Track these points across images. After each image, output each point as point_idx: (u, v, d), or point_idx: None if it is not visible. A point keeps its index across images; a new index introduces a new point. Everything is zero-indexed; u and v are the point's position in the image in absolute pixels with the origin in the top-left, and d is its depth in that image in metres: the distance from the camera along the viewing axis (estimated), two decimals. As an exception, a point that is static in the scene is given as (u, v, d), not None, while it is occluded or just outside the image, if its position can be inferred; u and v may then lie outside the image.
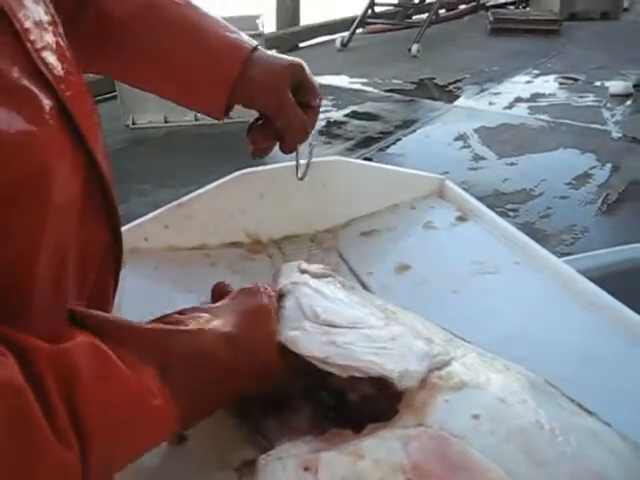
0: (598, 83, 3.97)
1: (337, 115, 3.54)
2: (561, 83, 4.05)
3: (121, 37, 0.60)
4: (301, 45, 5.30)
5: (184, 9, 0.60)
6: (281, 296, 0.52)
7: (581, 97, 3.74)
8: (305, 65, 0.62)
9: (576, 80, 4.07)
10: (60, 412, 0.32)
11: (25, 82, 0.37)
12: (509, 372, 0.48)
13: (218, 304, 0.47)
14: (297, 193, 0.75)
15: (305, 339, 0.46)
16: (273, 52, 0.62)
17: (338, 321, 0.48)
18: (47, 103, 0.38)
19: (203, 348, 0.41)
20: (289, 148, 0.63)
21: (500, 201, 2.47)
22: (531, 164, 2.84)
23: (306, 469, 0.41)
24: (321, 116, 3.52)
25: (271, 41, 4.55)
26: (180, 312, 0.46)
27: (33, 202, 0.37)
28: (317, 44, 5.35)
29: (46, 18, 0.42)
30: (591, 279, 0.64)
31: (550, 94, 3.82)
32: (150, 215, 0.73)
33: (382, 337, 0.48)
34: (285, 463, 0.41)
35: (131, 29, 0.59)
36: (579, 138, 3.10)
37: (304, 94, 0.61)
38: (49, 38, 0.41)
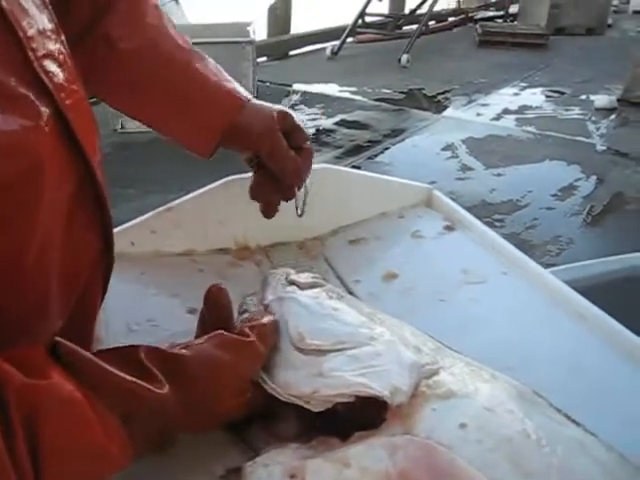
0: (583, 97, 4.03)
1: (326, 123, 3.56)
2: (547, 96, 4.10)
3: (123, 68, 0.61)
4: (291, 53, 5.31)
5: (187, 55, 0.62)
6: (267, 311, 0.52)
7: (567, 110, 3.79)
8: (292, 112, 0.65)
9: (562, 93, 4.13)
10: (20, 446, 0.32)
11: (23, 89, 0.37)
12: (497, 382, 0.48)
13: (200, 345, 0.45)
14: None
15: (293, 379, 0.46)
16: (262, 103, 0.64)
17: (324, 345, 0.48)
18: (44, 110, 0.38)
19: (163, 413, 0.41)
20: (288, 193, 0.65)
21: (487, 211, 2.49)
22: (518, 175, 2.87)
23: (292, 476, 0.41)
24: (310, 124, 3.54)
25: (262, 49, 4.56)
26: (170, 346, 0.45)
27: (23, 199, 0.38)
28: (307, 52, 5.37)
29: (50, 26, 0.42)
30: (577, 290, 0.64)
31: (537, 106, 3.87)
32: (137, 220, 0.72)
33: (370, 354, 0.48)
34: (271, 470, 0.41)
35: (134, 63, 0.61)
36: (565, 150, 3.14)
37: (295, 138, 0.64)
38: (51, 46, 0.42)
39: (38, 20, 0.40)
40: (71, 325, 0.46)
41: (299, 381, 0.45)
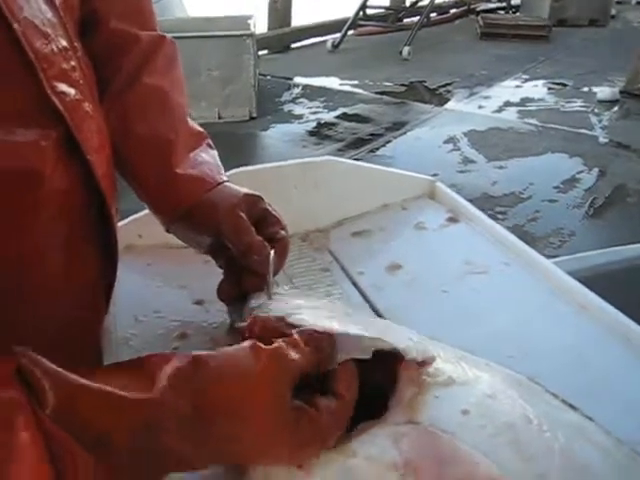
0: (586, 89, 4.02)
1: (327, 116, 3.56)
2: (550, 88, 4.10)
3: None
4: (292, 46, 5.30)
5: (169, 135, 0.56)
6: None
7: (569, 102, 3.78)
8: (262, 197, 0.57)
9: (564, 85, 4.12)
10: None
11: (33, 111, 0.38)
12: (493, 370, 0.49)
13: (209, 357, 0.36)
14: (289, 193, 0.76)
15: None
16: (233, 186, 0.57)
17: (332, 314, 0.48)
18: (52, 131, 0.39)
19: (151, 430, 0.32)
20: (257, 281, 0.54)
21: (489, 204, 2.49)
22: (520, 168, 2.87)
23: (299, 467, 0.41)
24: (312, 117, 3.54)
25: (262, 42, 4.56)
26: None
27: (19, 215, 0.39)
28: (308, 45, 5.36)
29: (64, 44, 0.42)
30: (579, 280, 0.65)
31: (539, 99, 3.87)
32: (144, 212, 0.73)
33: (375, 327, 0.48)
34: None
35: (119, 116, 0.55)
36: (567, 143, 3.14)
37: (267, 226, 0.56)
38: (65, 65, 0.42)
39: (53, 40, 0.41)
40: (74, 332, 0.47)
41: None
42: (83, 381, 0.31)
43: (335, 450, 0.41)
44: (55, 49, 0.41)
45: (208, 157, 0.58)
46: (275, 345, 0.37)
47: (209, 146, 0.60)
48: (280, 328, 0.42)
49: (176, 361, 0.34)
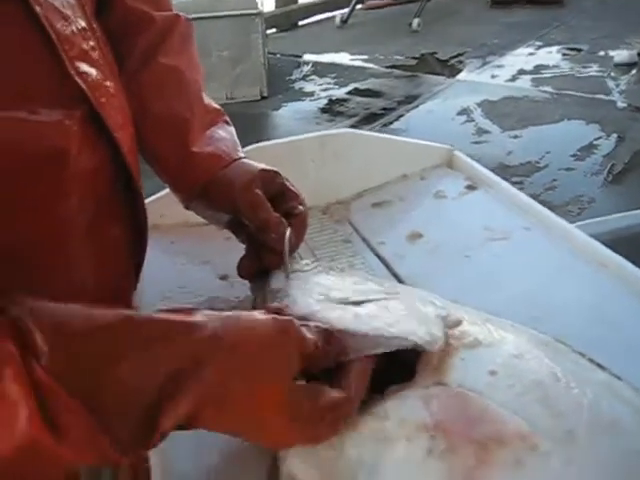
0: (602, 53, 3.93)
1: (339, 93, 3.53)
2: (564, 54, 4.01)
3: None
4: (300, 23, 5.24)
5: (185, 114, 0.57)
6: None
7: (585, 67, 3.70)
8: (279, 172, 0.57)
9: (579, 50, 4.04)
10: None
11: (56, 91, 0.39)
12: (518, 331, 0.50)
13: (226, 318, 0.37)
14: (309, 166, 0.76)
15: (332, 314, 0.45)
16: (250, 162, 0.57)
17: (353, 297, 0.49)
18: (76, 112, 0.40)
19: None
20: (276, 259, 0.53)
21: (505, 174, 2.46)
22: (535, 136, 2.83)
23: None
24: (323, 94, 3.52)
25: (270, 20, 4.51)
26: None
27: (47, 191, 0.39)
28: (316, 22, 5.29)
29: (83, 24, 0.43)
30: (601, 243, 0.65)
31: (553, 65, 3.79)
32: (165, 191, 0.74)
33: (397, 307, 0.49)
34: None
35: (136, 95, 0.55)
36: (583, 109, 3.08)
37: (285, 201, 0.56)
38: (85, 45, 0.42)
39: (73, 22, 0.41)
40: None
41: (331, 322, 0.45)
42: (83, 323, 0.31)
43: (368, 413, 0.42)
44: (75, 30, 0.41)
45: (225, 134, 0.59)
46: (289, 317, 0.39)
47: (226, 122, 0.60)
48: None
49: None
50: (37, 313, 0.30)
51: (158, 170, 0.59)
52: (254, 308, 0.59)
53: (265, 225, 0.53)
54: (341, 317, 0.46)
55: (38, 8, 0.37)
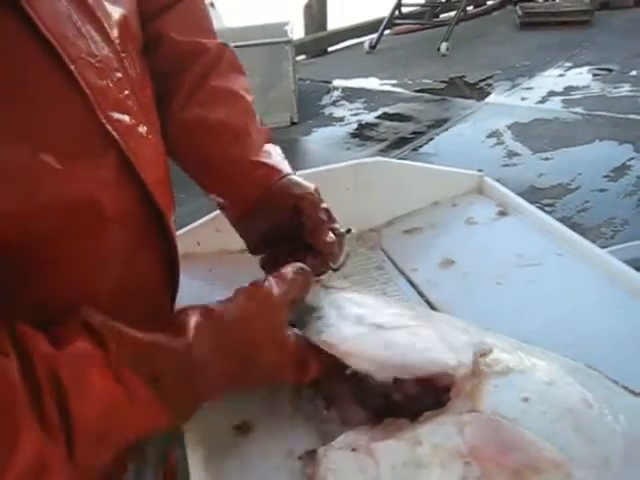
0: (634, 72, 3.89)
1: (369, 117, 3.56)
2: (595, 74, 3.98)
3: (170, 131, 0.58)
4: (330, 49, 5.33)
5: (234, 130, 0.60)
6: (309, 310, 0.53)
7: (616, 87, 3.67)
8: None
9: (610, 70, 4.00)
10: (48, 406, 0.34)
11: (89, 143, 0.41)
12: (549, 358, 0.50)
13: (226, 302, 0.48)
14: (342, 194, 0.78)
15: (357, 350, 0.47)
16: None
17: (384, 322, 0.50)
18: (108, 158, 0.42)
19: (188, 365, 0.42)
20: (319, 264, 0.58)
21: (536, 196, 2.45)
22: (567, 158, 2.81)
23: (366, 457, 0.43)
24: (353, 119, 3.56)
25: (300, 47, 4.59)
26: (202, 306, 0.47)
27: (84, 245, 0.42)
28: (345, 48, 5.37)
29: (118, 76, 0.44)
30: (635, 269, 0.65)
31: (584, 86, 3.76)
32: (202, 220, 0.77)
33: (427, 334, 0.50)
34: (345, 453, 0.43)
35: (182, 135, 0.59)
36: (616, 129, 3.05)
37: (330, 221, 0.60)
38: (119, 94, 0.44)
39: (108, 75, 0.43)
40: None
41: (364, 351, 0.47)
42: (138, 335, 0.41)
43: (402, 439, 0.43)
44: (110, 83, 0.43)
45: (276, 152, 0.62)
46: (264, 289, 0.49)
47: (273, 142, 0.64)
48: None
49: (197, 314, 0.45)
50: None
51: (210, 182, 0.61)
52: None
53: (320, 227, 0.57)
54: (374, 343, 0.47)
55: (73, 66, 0.39)
